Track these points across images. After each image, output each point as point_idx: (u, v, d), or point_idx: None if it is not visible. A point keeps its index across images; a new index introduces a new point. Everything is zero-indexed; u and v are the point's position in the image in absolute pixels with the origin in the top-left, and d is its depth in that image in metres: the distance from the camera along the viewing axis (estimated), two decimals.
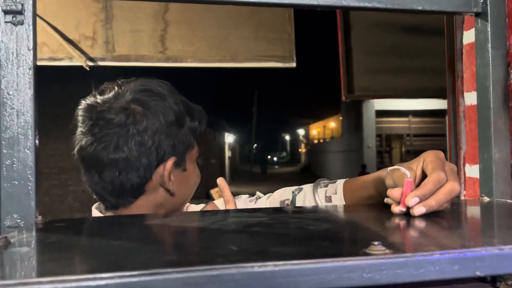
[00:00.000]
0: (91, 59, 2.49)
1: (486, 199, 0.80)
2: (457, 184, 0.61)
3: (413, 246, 0.43)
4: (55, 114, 10.50)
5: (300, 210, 0.67)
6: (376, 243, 0.42)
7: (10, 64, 0.63)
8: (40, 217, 0.63)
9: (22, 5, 0.63)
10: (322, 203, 0.93)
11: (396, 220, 0.57)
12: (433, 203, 0.59)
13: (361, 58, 2.71)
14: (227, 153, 23.95)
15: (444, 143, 16.13)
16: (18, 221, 0.62)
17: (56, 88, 9.61)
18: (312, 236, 0.48)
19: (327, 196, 0.90)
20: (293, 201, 0.99)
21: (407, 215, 0.59)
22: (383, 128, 17.17)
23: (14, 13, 0.63)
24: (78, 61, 2.44)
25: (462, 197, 0.98)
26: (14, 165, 0.63)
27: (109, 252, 0.46)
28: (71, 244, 0.50)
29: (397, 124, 17.33)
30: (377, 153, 16.84)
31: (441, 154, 0.67)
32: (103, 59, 2.49)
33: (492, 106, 0.82)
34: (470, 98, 0.94)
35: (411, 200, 0.58)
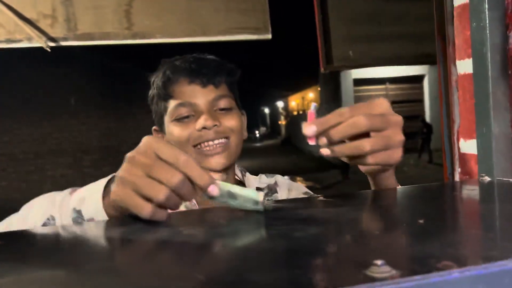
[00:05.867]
0: (53, 39, 2.32)
1: (487, 179, 0.72)
2: (364, 119, 0.57)
3: (424, 261, 0.35)
4: (25, 98, 10.15)
5: (281, 208, 0.58)
6: (379, 262, 0.33)
7: None
8: None
9: None
10: None
11: (386, 222, 0.49)
12: (332, 132, 0.58)
13: (339, 27, 2.60)
14: None
15: (421, 108, 16.26)
16: None
17: (24, 71, 9.26)
18: (298, 251, 0.39)
19: None
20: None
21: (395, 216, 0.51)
22: (361, 97, 17.15)
23: None
24: (38, 42, 2.27)
25: (457, 177, 0.90)
26: None
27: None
28: None
29: (375, 92, 17.33)
30: None
31: (378, 101, 0.61)
32: (65, 39, 2.32)
33: (490, 75, 0.73)
34: (463, 66, 0.85)
35: (307, 129, 0.58)
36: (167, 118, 0.95)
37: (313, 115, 0.60)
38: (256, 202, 0.54)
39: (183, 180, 0.52)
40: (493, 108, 0.73)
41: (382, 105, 0.61)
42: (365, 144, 0.57)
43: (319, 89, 22.11)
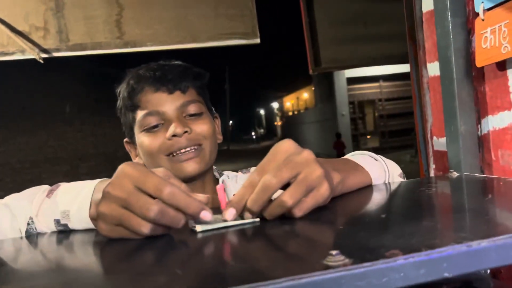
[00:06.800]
0: (45, 51, 2.36)
1: (455, 174, 0.77)
2: (271, 178, 0.52)
3: (375, 250, 0.40)
4: (20, 107, 10.16)
5: None
6: (334, 252, 0.38)
7: None
8: None
9: None
10: None
11: (352, 218, 0.53)
12: (249, 205, 0.53)
13: (325, 29, 2.65)
14: None
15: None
16: None
17: (19, 80, 9.28)
18: (268, 244, 0.44)
19: None
20: None
21: (361, 209, 0.56)
22: (355, 95, 17.25)
23: None
24: (31, 53, 2.31)
25: (432, 173, 0.95)
26: None
27: None
28: None
29: (369, 90, 17.43)
30: (351, 120, 16.96)
31: (281, 147, 0.57)
32: (57, 50, 2.37)
33: (455, 77, 0.78)
34: (433, 68, 0.90)
35: (227, 214, 0.52)
36: (136, 129, 0.93)
37: (222, 190, 0.56)
38: (253, 222, 0.54)
39: (161, 211, 0.48)
40: (459, 108, 0.78)
41: (287, 150, 0.56)
42: (286, 200, 0.52)
43: (313, 88, 22.17)
